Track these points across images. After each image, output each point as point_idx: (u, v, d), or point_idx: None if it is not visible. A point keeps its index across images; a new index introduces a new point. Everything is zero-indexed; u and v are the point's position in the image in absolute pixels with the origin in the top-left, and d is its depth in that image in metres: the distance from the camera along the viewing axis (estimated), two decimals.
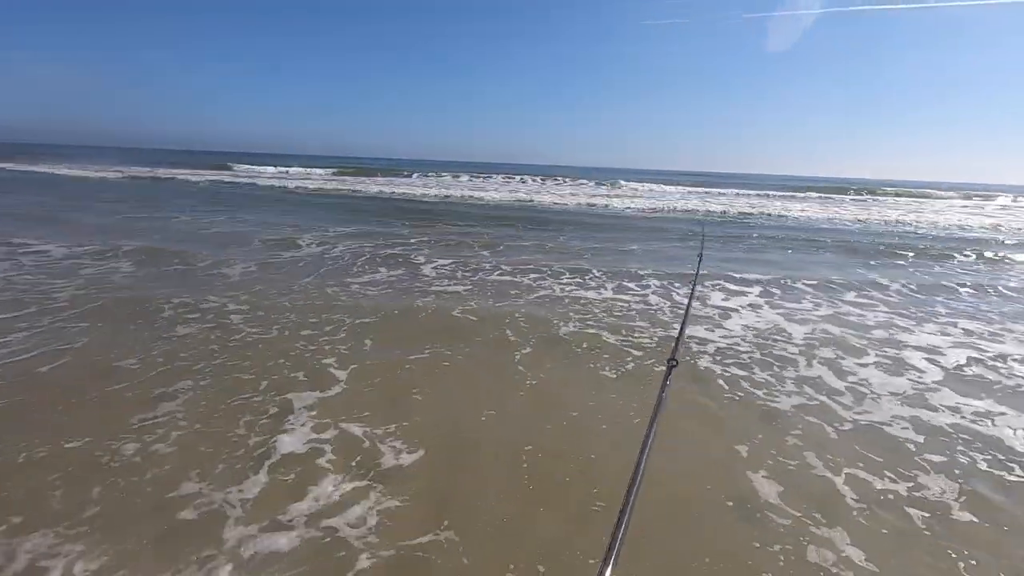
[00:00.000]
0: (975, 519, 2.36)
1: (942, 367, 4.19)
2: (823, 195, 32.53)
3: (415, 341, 4.38)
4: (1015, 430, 3.20)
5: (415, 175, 36.25)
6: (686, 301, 5.43)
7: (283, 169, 37.83)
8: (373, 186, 25.40)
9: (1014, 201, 32.86)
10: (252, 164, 39.51)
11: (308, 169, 37.70)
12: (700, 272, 3.48)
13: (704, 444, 2.96)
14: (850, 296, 6.66)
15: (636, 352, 4.30)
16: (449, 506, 2.34)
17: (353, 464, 2.63)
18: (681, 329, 1.70)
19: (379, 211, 15.42)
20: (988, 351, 4.63)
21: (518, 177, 36.70)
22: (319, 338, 4.37)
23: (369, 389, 3.49)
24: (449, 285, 6.52)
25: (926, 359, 4.34)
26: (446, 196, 22.03)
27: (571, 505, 2.37)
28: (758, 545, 2.15)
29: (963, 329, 5.36)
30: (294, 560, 2.00)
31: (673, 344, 1.48)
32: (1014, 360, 4.41)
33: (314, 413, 3.12)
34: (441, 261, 7.91)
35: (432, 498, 2.39)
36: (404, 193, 22.45)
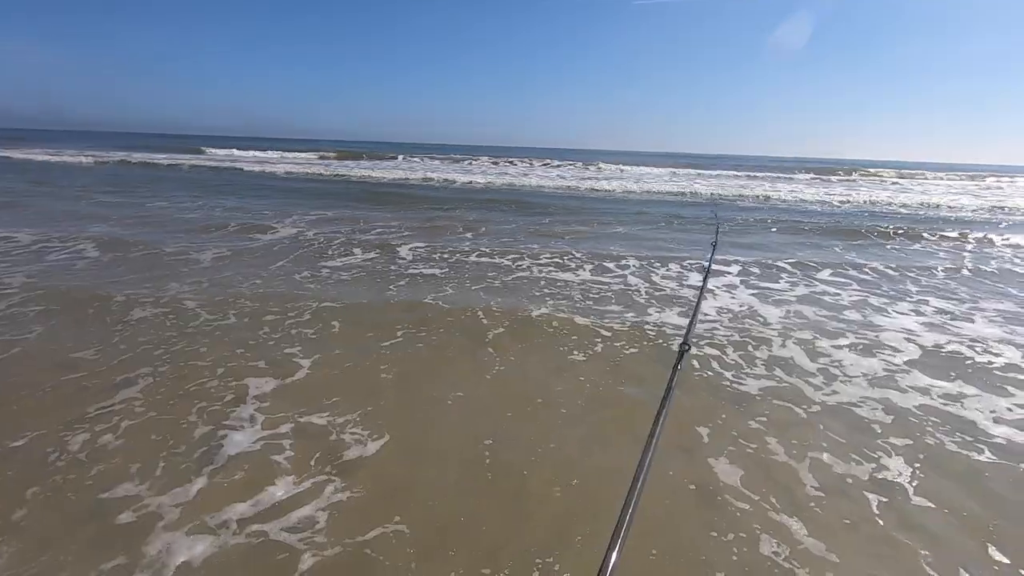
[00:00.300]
0: (932, 505, 2.32)
1: (916, 348, 4.16)
2: (815, 175, 32.40)
3: (385, 326, 4.27)
4: (982, 411, 3.17)
5: (400, 158, 35.73)
6: (673, 284, 5.38)
7: (264, 153, 37.04)
8: (357, 169, 24.94)
9: (1005, 181, 33.17)
10: (235, 148, 38.55)
11: (292, 153, 36.95)
12: (706, 258, 3.44)
13: (667, 426, 2.90)
14: (825, 275, 6.65)
15: (606, 333, 4.23)
16: (403, 499, 2.26)
17: (307, 456, 2.54)
18: (693, 314, 1.68)
19: (360, 195, 15.13)
20: (961, 332, 4.60)
21: (505, 160, 36.17)
22: (284, 324, 4.25)
23: (333, 377, 3.39)
24: (425, 268, 6.40)
25: (901, 340, 4.31)
26: (428, 179, 21.71)
27: (528, 497, 2.30)
28: (715, 534, 2.10)
29: (935, 308, 5.36)
30: (230, 562, 1.91)
31: (685, 329, 1.46)
32: (988, 341, 4.39)
33: (271, 403, 3.01)
34: (418, 244, 7.77)
35: (387, 491, 2.31)
36: (379, 177, 22.08)
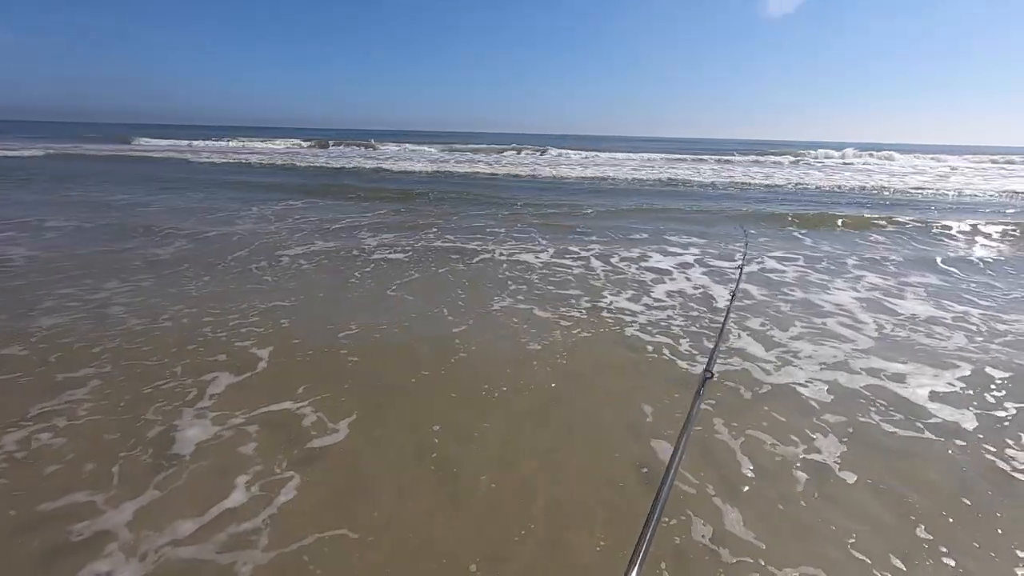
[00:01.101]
0: (868, 483, 2.41)
1: (861, 326, 4.30)
2: (781, 156, 32.65)
3: (345, 316, 4.25)
4: (921, 388, 3.30)
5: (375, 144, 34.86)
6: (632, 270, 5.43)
7: (229, 140, 35.68)
8: (324, 158, 24.34)
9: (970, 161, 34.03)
10: (207, 139, 36.99)
11: (263, 142, 35.60)
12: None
13: (616, 407, 2.99)
14: (778, 253, 6.84)
15: (565, 323, 4.28)
16: (350, 501, 2.26)
17: (256, 456, 2.52)
18: (717, 341, 1.65)
19: (324, 184, 14.80)
20: (899, 310, 4.77)
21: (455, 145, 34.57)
22: (243, 316, 4.18)
23: (291, 370, 3.35)
24: (389, 253, 6.36)
25: (845, 319, 4.46)
26: (410, 170, 21.38)
27: (475, 495, 2.30)
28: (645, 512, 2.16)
29: (868, 283, 5.61)
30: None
31: (708, 357, 1.44)
32: (922, 320, 4.56)
33: (226, 399, 2.98)
34: (385, 236, 7.70)
35: (337, 493, 2.30)
36: (343, 165, 21.67)
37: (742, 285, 5.42)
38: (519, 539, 2.04)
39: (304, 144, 34.81)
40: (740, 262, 4.00)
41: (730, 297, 2.36)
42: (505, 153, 30.91)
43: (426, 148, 32.93)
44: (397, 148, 32.35)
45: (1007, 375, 3.48)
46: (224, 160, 21.85)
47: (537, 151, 31.96)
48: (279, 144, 33.99)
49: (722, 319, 4.38)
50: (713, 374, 1.28)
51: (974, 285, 5.71)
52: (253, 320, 4.11)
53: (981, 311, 4.77)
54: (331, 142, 36.35)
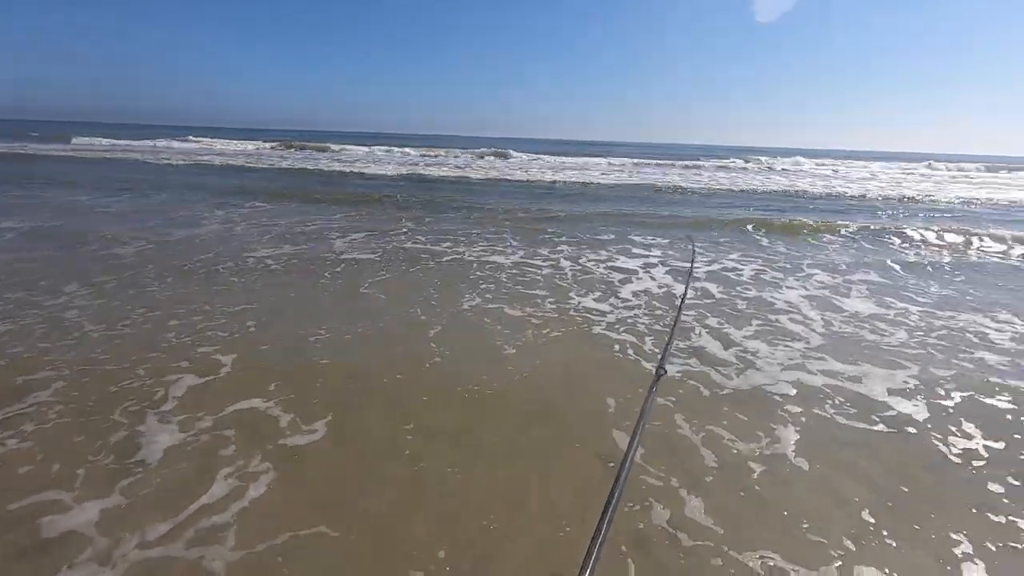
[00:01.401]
0: (821, 474, 2.55)
1: (810, 322, 4.54)
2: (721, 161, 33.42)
3: (316, 317, 4.25)
4: (875, 386, 3.51)
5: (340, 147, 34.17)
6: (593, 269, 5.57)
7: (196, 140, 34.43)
8: (288, 160, 23.89)
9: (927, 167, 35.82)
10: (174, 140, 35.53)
11: (227, 141, 34.46)
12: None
13: (583, 402, 3.12)
14: (735, 256, 7.15)
15: (535, 321, 4.38)
16: (325, 499, 2.28)
17: (230, 457, 2.51)
18: (669, 338, 1.73)
19: (290, 185, 14.59)
20: (845, 308, 5.05)
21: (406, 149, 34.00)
22: (209, 319, 4.13)
23: (257, 374, 3.33)
24: (359, 254, 6.35)
25: (796, 315, 4.70)
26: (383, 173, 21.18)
27: (450, 491, 2.35)
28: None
29: (818, 282, 5.91)
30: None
31: (661, 353, 1.50)
32: (868, 318, 4.84)
33: (194, 400, 2.96)
34: (355, 236, 7.67)
35: (311, 490, 2.32)
36: (316, 167, 21.37)
37: (703, 284, 5.65)
38: (491, 531, 2.11)
39: (267, 146, 33.71)
40: (690, 265, 4.31)
41: (680, 298, 2.53)
42: (486, 158, 30.88)
43: (397, 151, 32.50)
44: (367, 151, 31.92)
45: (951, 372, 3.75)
46: (187, 162, 21.25)
47: (500, 156, 31.93)
48: (248, 146, 32.97)
49: (692, 316, 4.56)
50: (666, 370, 1.36)
51: (912, 283, 6.10)
52: (220, 323, 4.07)
53: (919, 307, 5.12)
54: (296, 143, 35.26)
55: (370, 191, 13.24)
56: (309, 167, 20.89)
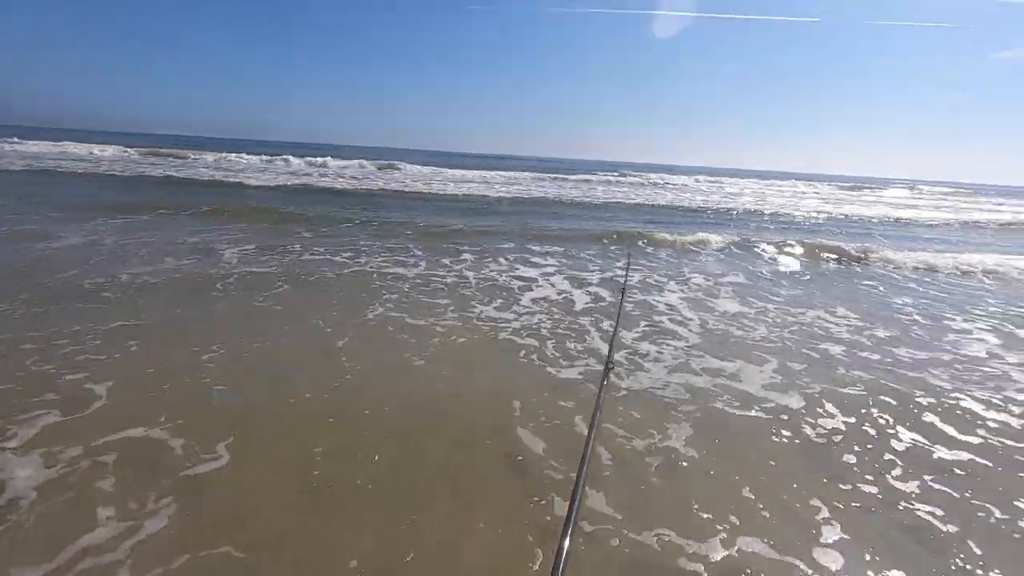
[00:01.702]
0: (707, 462, 2.85)
1: (688, 321, 5.10)
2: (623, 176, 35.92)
3: (209, 333, 4.00)
4: (750, 378, 3.98)
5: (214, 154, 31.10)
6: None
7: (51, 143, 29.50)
8: (162, 167, 21.63)
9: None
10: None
11: (102, 147, 29.71)
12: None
13: (489, 407, 3.26)
14: (622, 263, 7.86)
15: (440, 329, 4.48)
16: (231, 523, 2.20)
17: (116, 489, 2.31)
18: (613, 335, 1.86)
19: (164, 195, 13.25)
20: (717, 307, 5.75)
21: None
22: (77, 342, 3.72)
23: (142, 400, 3.07)
24: (254, 267, 6.03)
25: (676, 315, 5.26)
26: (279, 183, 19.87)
27: (365, 509, 2.34)
28: (521, 495, 2.44)
29: (694, 284, 6.69)
30: None
31: (608, 347, 1.62)
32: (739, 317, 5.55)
33: (64, 437, 2.66)
34: (247, 248, 7.24)
35: (209, 515, 2.22)
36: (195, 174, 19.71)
37: (597, 290, 6.11)
38: (413, 546, 2.14)
39: (134, 151, 29.79)
40: (625, 268, 4.91)
41: (621, 291, 2.87)
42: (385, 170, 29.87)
43: (279, 159, 30.20)
44: (257, 159, 29.72)
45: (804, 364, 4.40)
46: (30, 167, 18.50)
47: (385, 167, 31.15)
48: (107, 151, 28.84)
49: (588, 321, 4.91)
50: (613, 364, 1.50)
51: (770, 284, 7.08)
52: (93, 345, 3.67)
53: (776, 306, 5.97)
54: (165, 150, 31.32)
55: (260, 203, 12.41)
56: (186, 176, 19.06)
